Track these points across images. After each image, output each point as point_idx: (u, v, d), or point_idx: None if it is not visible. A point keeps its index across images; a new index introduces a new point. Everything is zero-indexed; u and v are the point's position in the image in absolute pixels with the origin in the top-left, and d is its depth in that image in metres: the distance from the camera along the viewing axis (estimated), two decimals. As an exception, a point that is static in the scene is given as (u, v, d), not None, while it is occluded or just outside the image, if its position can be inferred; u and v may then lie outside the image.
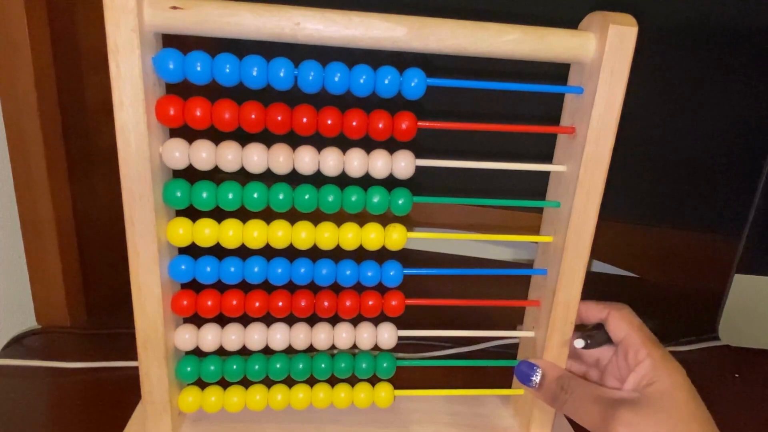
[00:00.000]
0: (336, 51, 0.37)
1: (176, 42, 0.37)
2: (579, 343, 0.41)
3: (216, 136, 0.39)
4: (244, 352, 0.43)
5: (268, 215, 0.40)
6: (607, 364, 0.43)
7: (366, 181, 0.40)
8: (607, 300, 0.43)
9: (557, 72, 0.41)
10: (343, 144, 0.40)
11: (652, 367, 0.38)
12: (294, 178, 0.39)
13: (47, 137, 0.52)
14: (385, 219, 0.43)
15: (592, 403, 0.39)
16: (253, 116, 0.37)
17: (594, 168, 0.39)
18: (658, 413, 0.36)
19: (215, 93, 0.38)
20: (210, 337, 0.42)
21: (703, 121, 0.73)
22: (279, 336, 0.43)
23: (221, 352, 0.43)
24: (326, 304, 0.43)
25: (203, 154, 0.38)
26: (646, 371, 0.38)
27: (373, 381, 0.46)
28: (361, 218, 0.42)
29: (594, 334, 0.42)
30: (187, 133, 0.38)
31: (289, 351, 0.44)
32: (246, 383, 0.44)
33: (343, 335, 0.44)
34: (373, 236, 0.41)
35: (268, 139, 0.38)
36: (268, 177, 0.39)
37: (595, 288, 0.45)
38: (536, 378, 0.43)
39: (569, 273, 0.41)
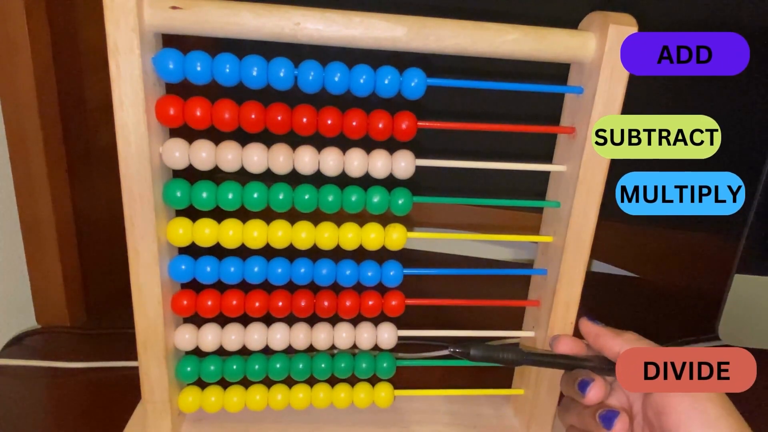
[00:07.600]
0: (336, 51, 0.37)
1: (176, 42, 0.37)
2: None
3: (216, 136, 0.38)
4: (244, 352, 0.43)
5: (268, 215, 0.40)
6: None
7: (366, 181, 0.40)
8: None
9: (557, 72, 0.41)
10: (343, 144, 0.40)
11: None
12: (294, 178, 0.39)
13: (47, 137, 0.52)
14: (385, 219, 0.43)
15: None
16: (253, 116, 0.37)
17: (594, 168, 0.39)
18: None
19: (215, 93, 0.38)
20: (210, 337, 0.42)
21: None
22: (279, 336, 0.43)
23: (221, 352, 0.43)
24: (326, 304, 0.43)
25: (203, 154, 0.38)
26: None
27: (373, 381, 0.46)
28: (361, 218, 0.42)
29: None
30: (187, 133, 0.38)
31: (289, 351, 0.44)
32: (246, 383, 0.44)
33: (343, 335, 0.44)
34: (373, 236, 0.41)
35: (268, 139, 0.38)
36: (268, 177, 0.39)
37: (595, 288, 0.45)
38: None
39: (569, 273, 0.41)
